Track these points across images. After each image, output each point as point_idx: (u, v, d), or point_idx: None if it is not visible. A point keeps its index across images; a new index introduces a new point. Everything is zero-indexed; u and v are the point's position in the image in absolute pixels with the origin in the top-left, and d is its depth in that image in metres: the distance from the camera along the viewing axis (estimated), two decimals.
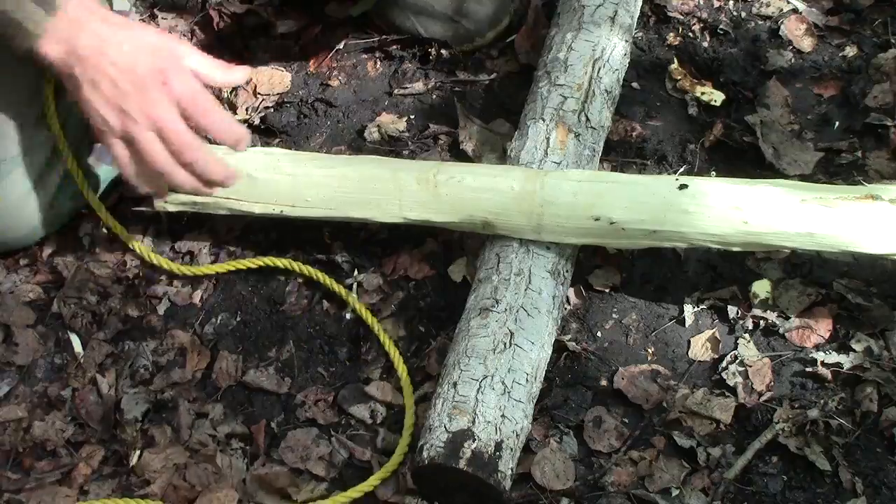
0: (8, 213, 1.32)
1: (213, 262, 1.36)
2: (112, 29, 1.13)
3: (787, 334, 1.22)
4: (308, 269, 1.31)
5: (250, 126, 1.50)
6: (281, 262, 1.33)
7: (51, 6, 1.11)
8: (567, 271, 1.23)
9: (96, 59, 1.12)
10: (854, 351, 1.19)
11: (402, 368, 1.23)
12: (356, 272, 1.33)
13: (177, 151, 1.16)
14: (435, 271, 1.32)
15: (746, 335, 1.23)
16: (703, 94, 1.43)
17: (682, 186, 1.15)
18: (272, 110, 1.51)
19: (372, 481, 1.15)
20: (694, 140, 1.40)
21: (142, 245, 1.36)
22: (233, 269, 1.34)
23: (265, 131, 1.49)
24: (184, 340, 1.30)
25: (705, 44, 1.50)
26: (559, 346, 1.23)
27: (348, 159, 1.28)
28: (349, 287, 1.31)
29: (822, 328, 1.22)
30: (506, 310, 1.15)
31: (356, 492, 1.14)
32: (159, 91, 1.13)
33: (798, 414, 1.15)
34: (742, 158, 1.38)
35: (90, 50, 1.12)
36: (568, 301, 1.27)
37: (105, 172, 1.41)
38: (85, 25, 1.12)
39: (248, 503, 1.17)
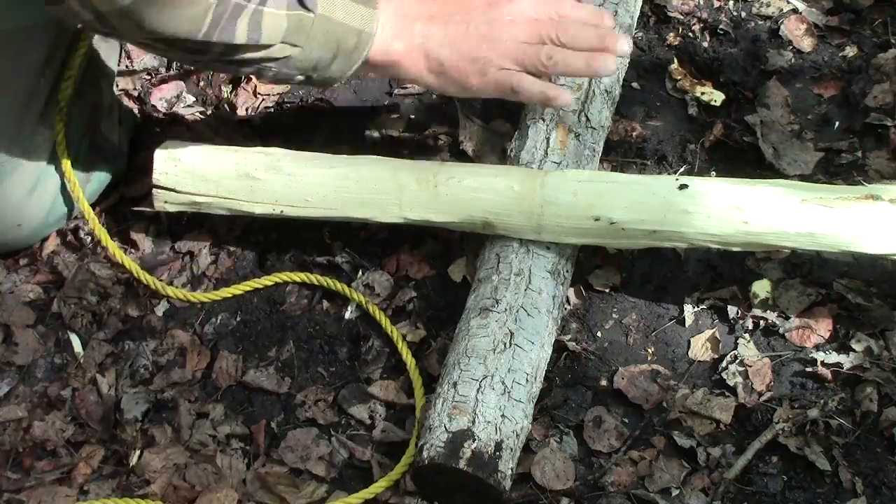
0: (8, 215, 1.32)
1: (212, 262, 1.36)
2: None
3: (787, 334, 1.22)
4: (328, 282, 1.31)
5: (250, 126, 1.50)
6: (297, 277, 1.32)
7: (372, 2, 1.10)
8: (567, 271, 1.23)
9: (445, 21, 1.12)
10: (854, 351, 1.19)
11: (414, 372, 1.22)
12: (360, 272, 1.32)
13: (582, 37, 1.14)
14: (435, 271, 1.32)
15: (746, 335, 1.23)
16: (703, 94, 1.43)
17: (682, 186, 1.15)
18: (272, 110, 1.51)
19: (374, 489, 1.15)
20: (694, 140, 1.40)
21: (132, 262, 1.34)
22: (230, 294, 1.32)
23: (265, 131, 1.49)
24: (184, 340, 1.30)
25: (705, 44, 1.50)
26: (559, 346, 1.23)
27: (348, 159, 1.28)
28: (358, 288, 1.31)
29: (822, 328, 1.22)
30: (506, 310, 1.15)
31: (357, 498, 1.14)
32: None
33: (798, 414, 1.15)
34: (742, 158, 1.38)
35: (427, 23, 1.13)
36: (568, 301, 1.27)
37: (103, 173, 1.41)
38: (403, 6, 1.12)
39: (248, 503, 1.17)
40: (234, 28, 1.05)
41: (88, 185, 1.39)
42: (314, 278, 1.31)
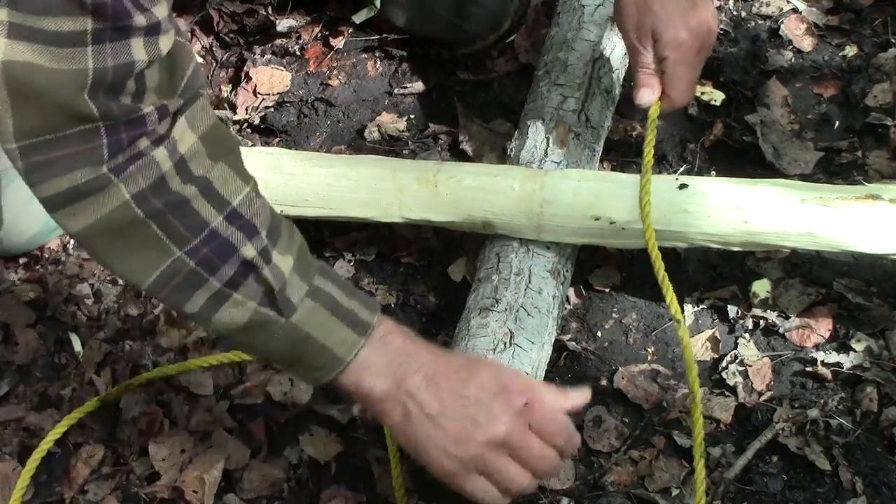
0: (9, 221, 1.32)
1: None
2: (436, 355, 0.97)
3: (787, 334, 1.22)
4: None
5: (250, 126, 1.50)
6: None
7: (365, 328, 0.95)
8: (567, 271, 1.23)
9: (433, 391, 0.94)
10: (854, 350, 1.19)
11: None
12: (359, 273, 1.33)
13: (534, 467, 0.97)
14: (435, 271, 1.32)
15: (746, 335, 1.23)
16: (703, 93, 1.43)
17: (682, 186, 1.15)
18: (272, 110, 1.51)
19: None
20: (694, 140, 1.40)
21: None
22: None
23: (265, 131, 1.49)
24: (184, 340, 1.30)
25: None
26: (559, 346, 1.23)
27: (348, 159, 1.28)
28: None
29: (822, 328, 1.22)
30: (506, 309, 1.15)
31: None
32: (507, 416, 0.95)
33: (798, 414, 1.15)
34: (742, 158, 1.38)
35: (422, 380, 0.94)
36: (568, 301, 1.27)
37: None
38: (406, 350, 0.96)
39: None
40: (189, 298, 0.91)
41: None
42: None
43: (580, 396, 1.00)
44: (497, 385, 0.95)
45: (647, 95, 1.21)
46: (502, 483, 0.95)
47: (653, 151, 1.18)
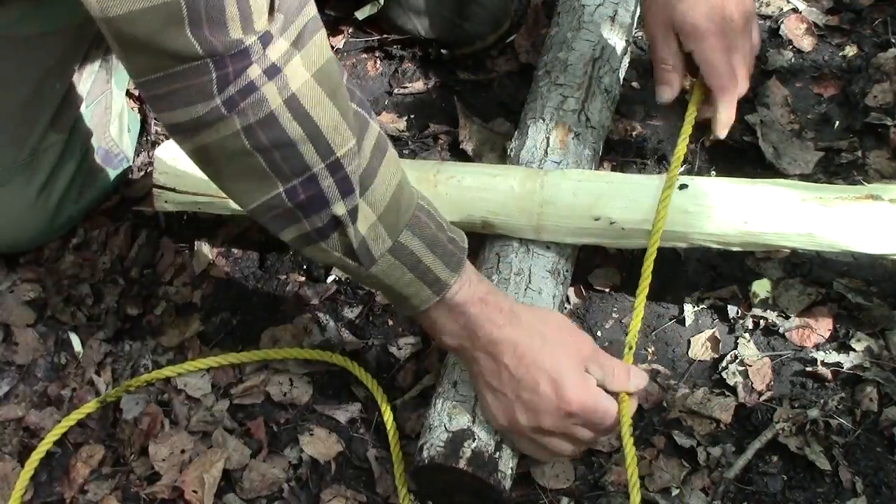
0: (11, 220, 1.32)
1: (212, 262, 1.36)
2: (509, 327, 1.03)
3: (787, 334, 1.22)
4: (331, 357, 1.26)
5: None
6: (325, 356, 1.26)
7: (441, 288, 1.02)
8: (567, 271, 1.23)
9: (494, 367, 1.03)
10: (854, 350, 1.19)
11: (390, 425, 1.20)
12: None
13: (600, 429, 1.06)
14: None
15: (746, 335, 1.23)
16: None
17: (682, 186, 1.15)
18: None
19: None
20: (694, 140, 1.40)
21: None
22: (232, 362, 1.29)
23: None
24: (184, 340, 1.30)
25: None
26: None
27: None
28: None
29: (822, 328, 1.22)
30: None
31: None
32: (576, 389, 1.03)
33: (798, 413, 1.15)
34: (742, 158, 1.38)
35: (487, 355, 1.03)
36: (568, 300, 1.27)
37: (108, 178, 1.41)
38: (478, 321, 1.03)
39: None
40: (284, 228, 0.97)
41: (93, 190, 1.39)
42: (315, 354, 1.26)
43: (640, 380, 1.07)
44: (554, 377, 1.02)
45: (664, 93, 1.20)
46: (540, 454, 1.08)
47: (685, 148, 1.18)
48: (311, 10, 0.90)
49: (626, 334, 1.25)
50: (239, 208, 0.97)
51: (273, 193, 0.93)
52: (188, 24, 0.81)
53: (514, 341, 1.03)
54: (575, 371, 1.03)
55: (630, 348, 1.10)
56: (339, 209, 0.94)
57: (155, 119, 1.48)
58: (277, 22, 0.86)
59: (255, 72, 0.86)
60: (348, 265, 0.99)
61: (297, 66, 0.88)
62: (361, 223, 0.96)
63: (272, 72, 0.87)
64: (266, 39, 0.86)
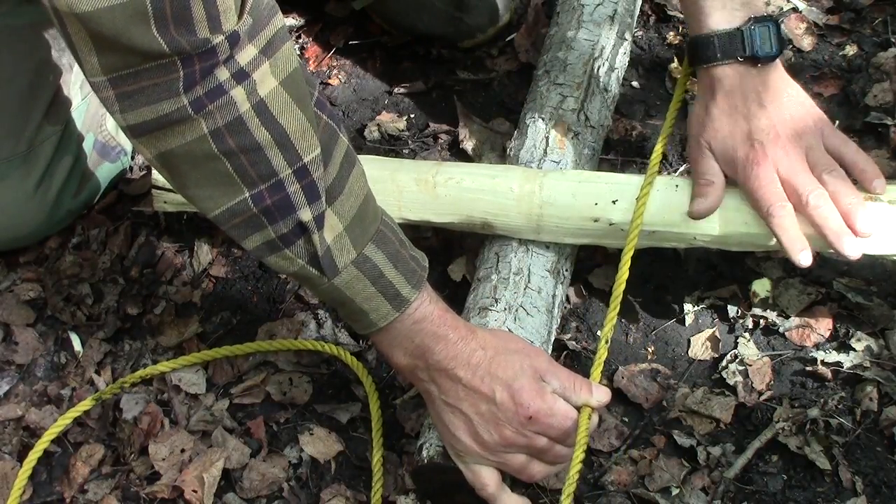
0: (10, 214, 1.32)
1: (212, 262, 1.36)
2: (466, 343, 1.02)
3: (787, 333, 1.22)
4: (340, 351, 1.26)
5: None
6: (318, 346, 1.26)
7: (401, 303, 1.01)
8: (567, 270, 1.23)
9: (451, 384, 1.02)
10: (854, 350, 1.19)
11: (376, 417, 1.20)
12: None
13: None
14: (434, 270, 1.32)
15: (746, 334, 1.23)
16: None
17: (682, 186, 1.15)
18: None
19: None
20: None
21: None
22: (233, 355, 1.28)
23: None
24: (183, 339, 1.30)
25: None
26: (559, 345, 1.23)
27: None
28: None
29: (822, 327, 1.22)
30: (505, 309, 1.15)
31: None
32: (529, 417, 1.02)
33: (798, 413, 1.15)
34: None
35: (443, 371, 1.02)
36: (568, 300, 1.27)
37: (106, 171, 1.41)
38: (437, 337, 1.02)
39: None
40: (248, 236, 0.96)
41: (91, 183, 1.39)
42: (308, 345, 1.26)
43: (603, 395, 1.06)
44: (509, 383, 1.01)
45: (698, 206, 1.13)
46: (514, 473, 1.06)
47: (663, 146, 1.19)
48: (280, 20, 0.90)
49: (625, 334, 1.25)
50: None
51: (238, 199, 0.93)
52: (154, 23, 0.82)
53: (468, 355, 1.02)
54: (530, 378, 1.02)
55: (606, 342, 1.10)
56: (305, 215, 0.94)
57: None
58: (246, 25, 0.86)
59: (223, 74, 0.86)
60: (311, 275, 0.98)
61: (266, 73, 0.89)
62: (328, 232, 0.96)
63: (241, 76, 0.87)
64: (234, 39, 0.86)
